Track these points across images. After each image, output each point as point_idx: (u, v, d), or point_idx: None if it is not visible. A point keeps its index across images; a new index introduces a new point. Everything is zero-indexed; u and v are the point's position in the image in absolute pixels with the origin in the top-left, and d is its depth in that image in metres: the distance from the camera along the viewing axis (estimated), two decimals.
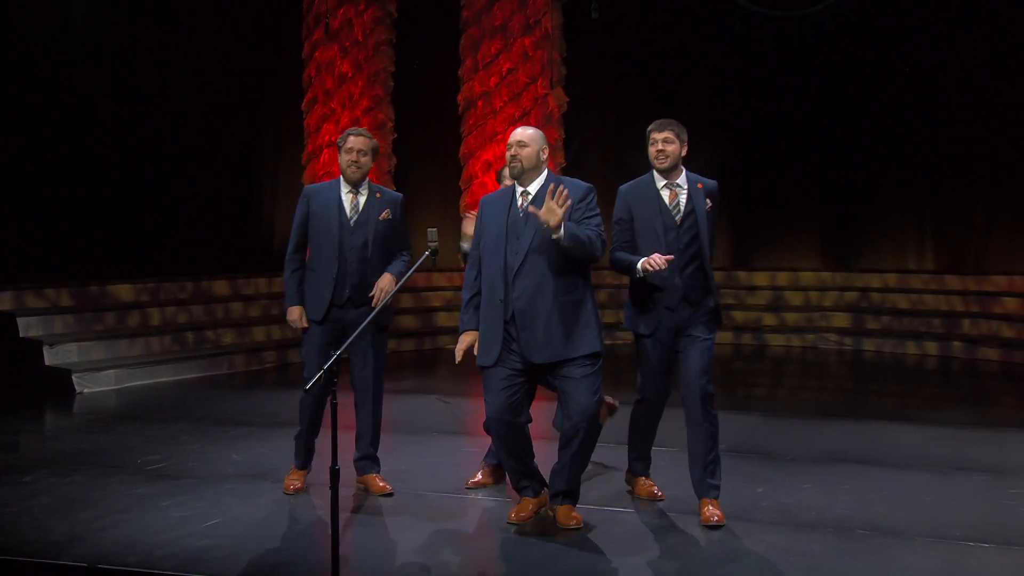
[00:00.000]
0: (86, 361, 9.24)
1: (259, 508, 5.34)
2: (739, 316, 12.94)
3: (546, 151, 5.01)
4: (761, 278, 13.42)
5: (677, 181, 5.21)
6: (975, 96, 12.20)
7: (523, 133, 5.01)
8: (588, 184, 5.01)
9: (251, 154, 13.78)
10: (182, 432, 7.22)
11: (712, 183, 5.29)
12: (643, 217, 5.16)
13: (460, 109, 14.22)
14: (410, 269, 4.95)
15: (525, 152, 4.95)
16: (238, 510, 5.30)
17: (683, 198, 5.19)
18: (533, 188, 4.97)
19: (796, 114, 13.14)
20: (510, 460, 5.04)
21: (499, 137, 14.19)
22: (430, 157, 14.37)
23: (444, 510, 5.38)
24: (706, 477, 5.17)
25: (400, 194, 5.79)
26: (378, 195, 5.63)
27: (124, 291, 10.54)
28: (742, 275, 13.49)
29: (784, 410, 8.41)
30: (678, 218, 5.17)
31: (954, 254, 12.75)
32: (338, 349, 5.04)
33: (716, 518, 5.08)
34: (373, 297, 5.45)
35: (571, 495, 5.09)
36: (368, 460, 5.65)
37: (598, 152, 13.81)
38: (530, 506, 5.13)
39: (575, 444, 4.90)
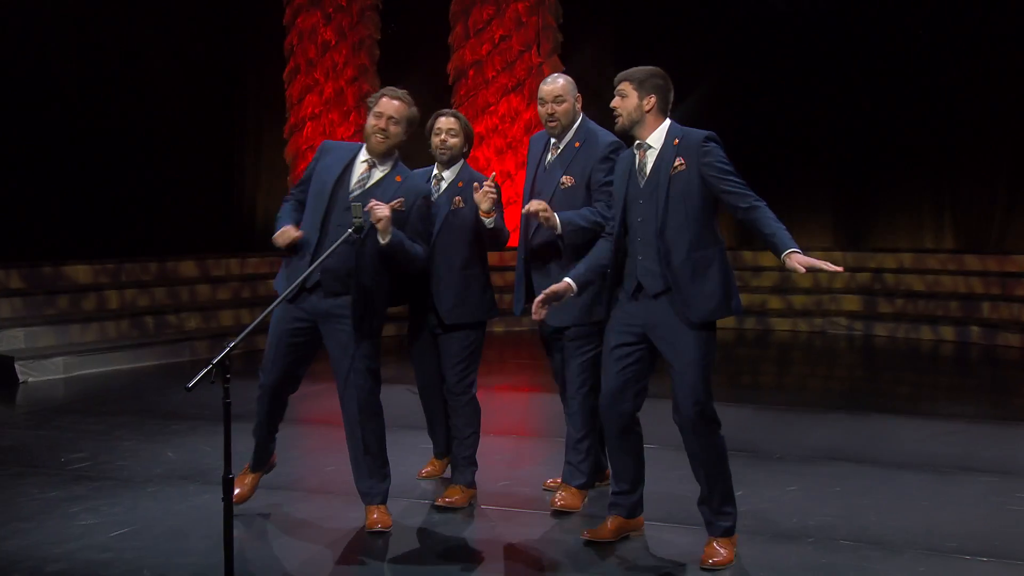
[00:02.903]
0: (32, 348, 8.90)
1: (178, 515, 4.98)
2: (743, 299, 12.33)
3: (579, 99, 5.04)
4: (767, 258, 12.79)
5: (648, 140, 4.42)
6: (998, 65, 11.77)
7: (557, 87, 4.98)
8: (613, 140, 4.94)
9: (228, 126, 13.43)
10: (120, 426, 6.88)
11: (695, 134, 4.35)
12: (618, 186, 4.51)
13: (450, 79, 13.86)
14: (330, 248, 4.45)
15: (562, 108, 4.96)
16: (154, 517, 4.94)
17: (650, 158, 4.42)
18: (563, 142, 5.01)
19: (807, 83, 12.70)
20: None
21: (491, 108, 13.80)
22: (419, 130, 13.89)
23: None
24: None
25: (429, 186, 4.98)
26: (399, 178, 4.74)
27: (81, 272, 10.20)
28: (747, 255, 13.04)
29: (781, 401, 8.01)
30: (642, 184, 4.41)
31: (975, 232, 12.32)
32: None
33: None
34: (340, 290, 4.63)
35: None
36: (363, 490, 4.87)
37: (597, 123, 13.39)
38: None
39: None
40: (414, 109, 4.77)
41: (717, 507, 4.47)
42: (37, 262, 9.96)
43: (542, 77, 13.06)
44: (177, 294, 10.73)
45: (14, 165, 10.30)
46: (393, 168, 4.76)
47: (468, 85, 13.83)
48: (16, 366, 8.48)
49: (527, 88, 13.63)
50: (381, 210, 4.49)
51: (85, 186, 10.95)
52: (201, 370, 3.61)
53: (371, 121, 4.69)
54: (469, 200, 5.00)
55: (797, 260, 4.09)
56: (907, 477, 5.72)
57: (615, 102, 4.42)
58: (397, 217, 4.62)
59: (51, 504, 5.12)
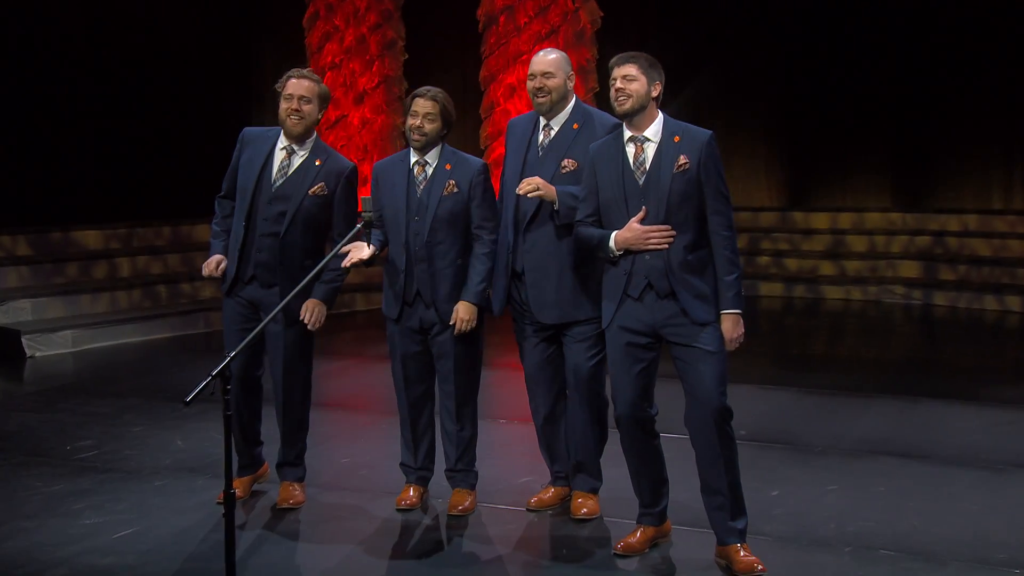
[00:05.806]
0: (40, 320, 9.06)
1: (184, 513, 5.07)
2: (792, 264, 12.43)
3: (573, 78, 4.92)
4: (820, 220, 12.85)
5: (645, 132, 4.43)
6: None
7: (547, 60, 4.87)
8: (616, 122, 4.68)
9: (245, 78, 13.42)
10: (129, 409, 7.00)
11: (701, 133, 4.41)
12: (606, 182, 4.46)
13: (480, 26, 13.73)
14: (340, 243, 4.54)
15: (552, 83, 4.83)
16: (160, 515, 5.04)
17: (649, 153, 4.41)
18: (556, 123, 4.87)
19: (863, 28, 12.46)
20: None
21: (524, 58, 13.68)
22: (446, 81, 13.79)
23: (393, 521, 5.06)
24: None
25: (351, 164, 5.07)
26: (319, 161, 4.97)
27: (91, 238, 10.34)
28: (798, 216, 12.95)
29: (827, 383, 7.92)
30: (641, 181, 4.39)
31: None
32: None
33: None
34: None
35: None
36: (282, 466, 5.22)
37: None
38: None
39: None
40: (324, 86, 5.01)
41: (739, 508, 4.50)
42: (45, 227, 10.08)
43: (579, 24, 13.21)
44: (191, 260, 10.78)
45: (21, 126, 10.37)
46: (312, 151, 5.02)
47: (499, 32, 13.70)
48: (23, 340, 8.63)
49: (561, 36, 13.46)
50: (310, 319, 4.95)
51: (95, 147, 11.03)
52: (201, 382, 3.64)
53: (283, 105, 4.93)
54: (463, 185, 4.88)
55: (727, 325, 4.36)
56: (958, 475, 5.69)
57: (620, 84, 4.37)
58: (320, 200, 4.96)
59: (55, 500, 5.23)
